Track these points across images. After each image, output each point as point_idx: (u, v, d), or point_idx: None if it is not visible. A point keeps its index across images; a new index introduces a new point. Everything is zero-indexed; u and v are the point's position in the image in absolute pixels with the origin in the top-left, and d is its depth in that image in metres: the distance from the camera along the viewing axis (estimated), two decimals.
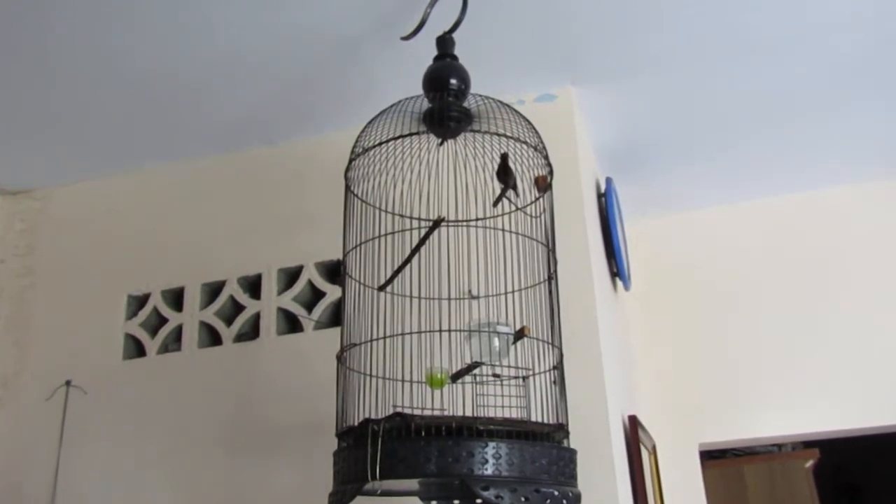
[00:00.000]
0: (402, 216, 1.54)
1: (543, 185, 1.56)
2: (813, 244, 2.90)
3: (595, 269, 2.11)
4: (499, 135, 1.50)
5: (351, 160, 1.55)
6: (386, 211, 1.55)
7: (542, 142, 1.57)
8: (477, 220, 1.56)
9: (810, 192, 2.94)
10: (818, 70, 2.22)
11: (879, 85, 2.31)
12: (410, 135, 1.50)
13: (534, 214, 1.54)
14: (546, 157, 1.56)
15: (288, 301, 2.27)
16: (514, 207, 1.55)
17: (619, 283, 2.63)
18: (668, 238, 3.05)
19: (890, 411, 2.63)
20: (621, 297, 2.70)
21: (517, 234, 1.50)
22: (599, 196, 2.50)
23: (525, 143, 1.52)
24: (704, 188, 2.89)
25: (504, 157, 1.54)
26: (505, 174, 1.54)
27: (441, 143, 1.55)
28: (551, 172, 1.57)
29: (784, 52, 2.14)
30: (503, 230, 1.50)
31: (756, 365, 2.79)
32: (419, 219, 1.51)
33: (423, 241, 1.46)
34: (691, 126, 2.47)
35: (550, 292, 1.51)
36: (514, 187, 1.55)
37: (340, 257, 1.61)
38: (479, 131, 1.52)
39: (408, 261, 1.47)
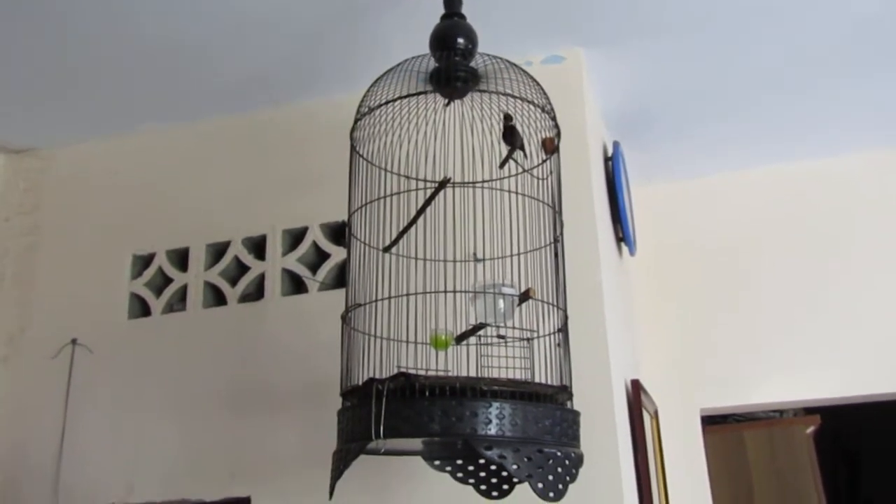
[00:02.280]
0: (407, 177, 1.54)
1: (550, 147, 1.54)
2: (818, 212, 2.89)
3: (601, 233, 2.10)
4: (506, 95, 1.49)
5: (356, 120, 1.53)
6: (391, 172, 1.54)
7: (549, 103, 1.55)
8: (483, 181, 1.55)
9: (818, 159, 2.92)
10: (830, 36, 2.19)
11: (892, 52, 2.28)
12: (417, 94, 1.49)
13: (540, 177, 1.53)
14: (553, 119, 1.54)
15: (292, 262, 2.27)
16: (520, 169, 1.54)
17: (625, 248, 2.62)
18: (675, 204, 3.04)
19: (893, 379, 2.63)
20: (626, 262, 2.70)
21: (523, 195, 1.50)
22: (606, 160, 2.48)
23: (532, 103, 1.50)
24: (712, 155, 2.87)
25: (509, 118, 1.53)
26: (511, 135, 1.53)
27: (447, 104, 1.54)
28: (558, 134, 1.56)
29: (797, 18, 2.10)
30: (509, 192, 1.50)
31: (759, 331, 2.79)
32: (425, 180, 1.51)
33: (428, 202, 1.45)
34: (700, 91, 2.44)
35: (556, 255, 1.50)
36: (522, 148, 1.54)
37: (345, 218, 1.60)
38: (486, 91, 1.51)
39: (413, 222, 1.47)
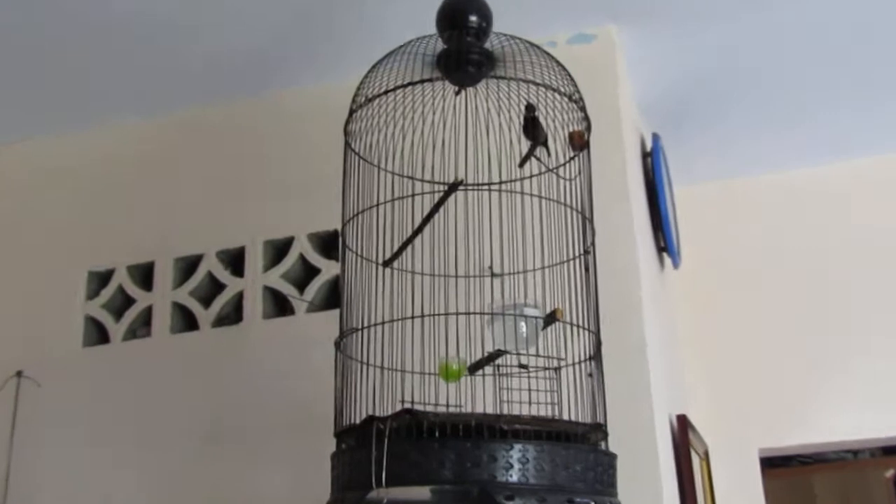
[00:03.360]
0: (411, 179, 1.55)
1: (580, 142, 1.55)
2: None
3: (639, 243, 2.11)
4: (527, 82, 1.49)
5: (352, 112, 1.54)
6: (393, 172, 1.55)
7: (578, 91, 1.56)
8: (500, 183, 1.55)
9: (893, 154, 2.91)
10: None
11: None
12: (422, 82, 1.49)
13: (567, 177, 1.53)
14: (583, 109, 1.55)
15: (276, 279, 2.29)
16: (543, 168, 1.55)
17: (667, 260, 2.63)
18: (724, 208, 3.04)
19: None
20: (669, 276, 2.70)
21: (548, 199, 1.50)
22: (645, 156, 2.49)
23: (558, 91, 1.50)
24: (768, 149, 2.87)
25: (530, 109, 1.53)
26: (533, 129, 1.53)
27: (458, 92, 1.54)
28: (589, 127, 1.57)
29: None
30: (531, 195, 1.50)
31: (827, 357, 2.77)
32: (432, 182, 1.51)
33: (436, 209, 1.45)
34: (755, 76, 2.45)
35: (587, 269, 1.51)
36: (545, 144, 1.55)
37: (338, 227, 1.61)
38: (503, 78, 1.51)
39: (418, 231, 1.47)
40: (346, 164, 1.57)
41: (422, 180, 1.54)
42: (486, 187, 1.52)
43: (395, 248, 1.49)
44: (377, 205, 1.50)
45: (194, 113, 2.51)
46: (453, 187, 1.44)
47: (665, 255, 2.59)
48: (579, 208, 1.51)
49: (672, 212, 2.62)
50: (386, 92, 1.49)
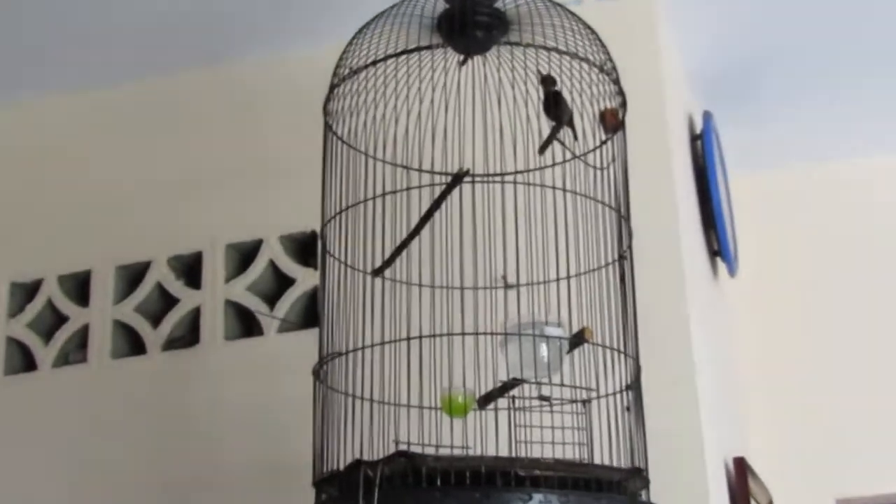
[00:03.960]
0: (407, 169, 1.55)
1: (613, 122, 1.56)
2: None
3: (686, 246, 2.12)
4: (547, 49, 1.50)
5: (333, 87, 1.55)
6: (384, 161, 1.56)
7: (610, 59, 1.57)
8: (515, 173, 1.56)
9: None
10: None
11: None
12: (419, 49, 1.50)
13: (598, 165, 1.54)
14: (616, 82, 1.56)
15: (241, 291, 2.30)
16: (568, 155, 1.56)
17: (722, 267, 2.64)
18: (795, 202, 3.04)
19: None
20: (724, 287, 2.71)
21: (574, 193, 1.51)
22: (694, 139, 2.50)
23: (586, 60, 1.52)
24: (847, 130, 2.87)
25: (550, 82, 1.54)
26: (556, 107, 1.54)
27: (464, 62, 1.55)
28: (624, 104, 1.58)
29: None
30: (553, 188, 1.51)
31: None
32: (432, 172, 1.52)
33: (437, 205, 1.47)
34: (833, 38, 2.45)
35: (622, 279, 1.52)
36: (570, 125, 1.55)
37: (317, 228, 1.62)
38: (518, 44, 1.52)
39: (416, 233, 1.49)
40: (326, 152, 1.58)
41: (420, 170, 1.55)
42: (498, 179, 1.53)
43: (388, 253, 1.50)
44: (365, 200, 1.51)
45: (137, 87, 2.52)
46: (458, 179, 1.45)
47: (719, 260, 2.59)
48: (613, 204, 1.52)
49: (728, 207, 2.62)
50: (375, 62, 1.50)
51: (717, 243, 2.51)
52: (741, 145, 2.85)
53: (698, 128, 2.54)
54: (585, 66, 1.53)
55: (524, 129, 1.56)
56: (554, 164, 1.57)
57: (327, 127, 1.58)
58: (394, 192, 1.51)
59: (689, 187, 2.33)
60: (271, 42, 2.38)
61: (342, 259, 1.53)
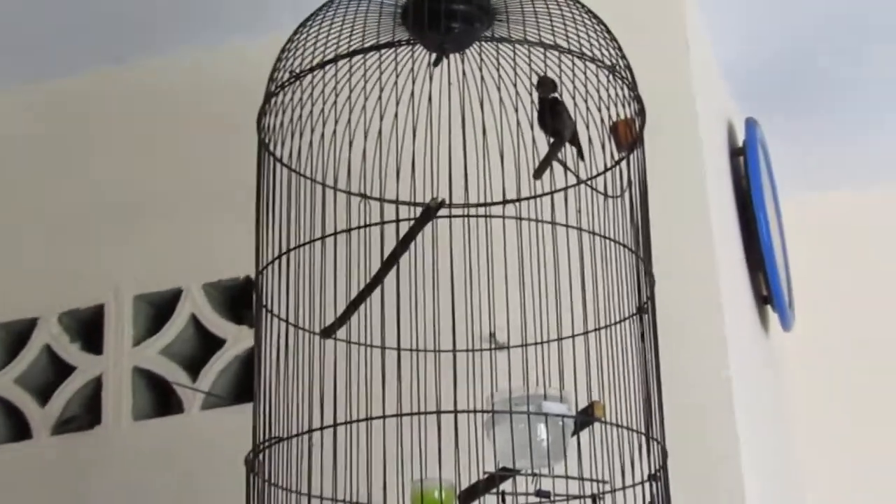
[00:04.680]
0: (365, 199, 1.56)
1: (628, 136, 1.57)
2: None
3: (727, 293, 2.13)
4: (543, 46, 1.52)
5: (270, 95, 1.57)
6: (336, 189, 1.56)
7: (624, 57, 1.59)
8: (504, 204, 1.58)
9: None
10: None
11: None
12: (379, 47, 1.52)
13: (610, 192, 1.56)
14: (632, 87, 1.58)
15: (154, 355, 2.30)
16: (572, 180, 1.58)
17: (773, 318, 2.65)
18: (865, 231, 3.05)
19: None
20: (777, 344, 2.72)
21: (578, 229, 1.51)
22: (735, 154, 2.52)
23: (593, 59, 1.53)
24: None
25: (547, 86, 1.57)
26: (555, 118, 1.56)
27: (437, 63, 1.57)
28: (642, 113, 1.59)
29: None
30: (552, 223, 1.51)
31: None
32: (397, 203, 1.52)
33: (404, 245, 1.48)
34: None
35: (642, 337, 1.53)
36: (574, 142, 1.58)
37: (251, 274, 1.63)
38: (506, 40, 1.53)
39: (377, 282, 1.49)
40: (262, 178, 1.59)
41: (382, 200, 1.54)
42: (481, 211, 1.55)
43: (342, 307, 1.51)
44: (313, 241, 1.52)
45: (18, 93, 2.54)
46: (430, 212, 1.46)
47: (769, 309, 2.61)
48: (629, 242, 1.54)
49: (780, 241, 2.64)
50: (323, 64, 1.51)
51: (767, 288, 2.51)
52: (797, 161, 2.87)
53: (740, 139, 2.55)
54: (592, 66, 1.54)
55: (514, 147, 1.58)
56: (553, 192, 1.58)
57: (263, 146, 1.59)
58: (349, 230, 1.51)
59: (729, 217, 2.34)
60: (190, 36, 2.39)
61: (284, 315, 1.53)
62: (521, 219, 1.52)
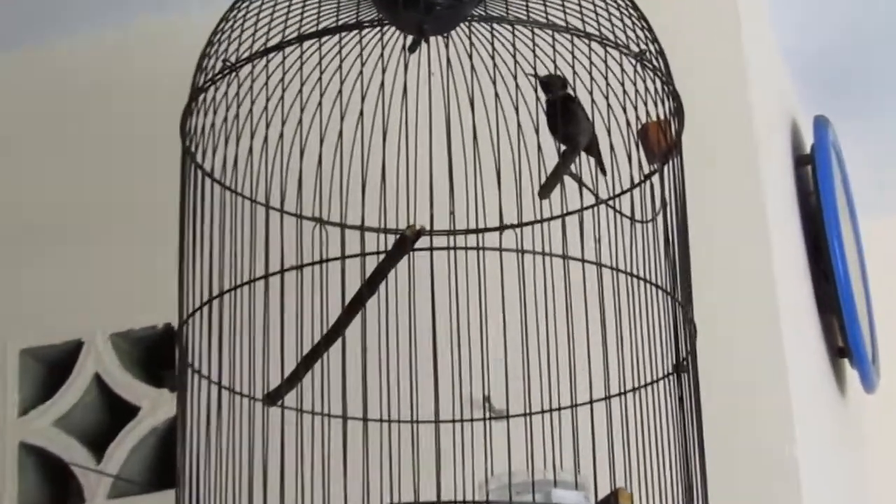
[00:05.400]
0: (322, 223, 1.57)
1: (661, 143, 1.58)
2: None
3: (791, 346, 2.14)
4: (551, 28, 1.52)
5: (198, 90, 1.58)
6: (283, 212, 1.56)
7: (655, 41, 1.60)
8: (501, 229, 1.58)
9: None
10: None
11: None
12: (340, 29, 1.53)
13: (639, 216, 1.57)
14: (666, 79, 1.59)
15: (45, 427, 2.29)
16: (589, 199, 1.58)
17: (852, 376, 2.64)
18: None
19: None
20: (856, 408, 2.72)
21: (598, 265, 1.52)
22: (800, 161, 2.52)
23: (615, 45, 1.54)
24: None
25: (554, 83, 1.58)
26: (566, 121, 1.57)
27: (413, 49, 1.58)
28: (679, 112, 1.61)
29: None
30: (563, 257, 1.52)
31: None
32: (363, 229, 1.52)
33: (373, 285, 1.49)
34: None
35: (681, 403, 1.54)
36: (593, 152, 1.60)
37: (173, 322, 1.63)
38: (503, 20, 1.55)
39: (337, 332, 1.50)
40: (186, 197, 1.60)
41: (343, 226, 1.56)
42: (472, 241, 1.57)
43: (290, 367, 1.51)
44: (253, 280, 1.53)
45: None
46: (406, 242, 1.47)
47: (847, 365, 2.61)
48: (663, 281, 1.55)
49: (860, 277, 2.64)
50: (267, 51, 1.52)
51: (844, 338, 2.52)
52: (876, 171, 2.88)
53: (807, 143, 2.56)
54: (615, 53, 1.55)
55: (514, 157, 1.59)
56: (565, 215, 1.59)
57: (188, 156, 1.60)
58: (300, 266, 1.52)
59: (793, 244, 2.36)
60: (96, 14, 2.41)
61: (216, 376, 1.53)
62: (523, 251, 1.53)
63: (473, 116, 1.53)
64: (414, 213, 1.52)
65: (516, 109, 1.60)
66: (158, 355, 2.28)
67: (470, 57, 1.59)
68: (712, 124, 1.89)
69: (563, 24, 1.52)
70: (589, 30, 1.53)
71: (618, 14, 1.56)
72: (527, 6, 1.54)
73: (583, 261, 1.51)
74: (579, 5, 1.54)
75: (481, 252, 1.56)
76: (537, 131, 1.60)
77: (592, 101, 1.58)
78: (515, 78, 1.58)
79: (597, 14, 1.54)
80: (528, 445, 1.48)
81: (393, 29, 1.58)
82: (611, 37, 1.55)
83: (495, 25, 1.56)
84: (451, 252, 1.52)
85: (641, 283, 1.54)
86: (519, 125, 1.61)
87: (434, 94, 1.58)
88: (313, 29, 1.52)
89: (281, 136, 1.55)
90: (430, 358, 1.46)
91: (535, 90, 1.62)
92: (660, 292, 1.54)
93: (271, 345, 1.50)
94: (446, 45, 1.60)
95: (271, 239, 1.53)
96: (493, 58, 1.58)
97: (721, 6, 2.23)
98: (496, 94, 1.58)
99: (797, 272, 2.33)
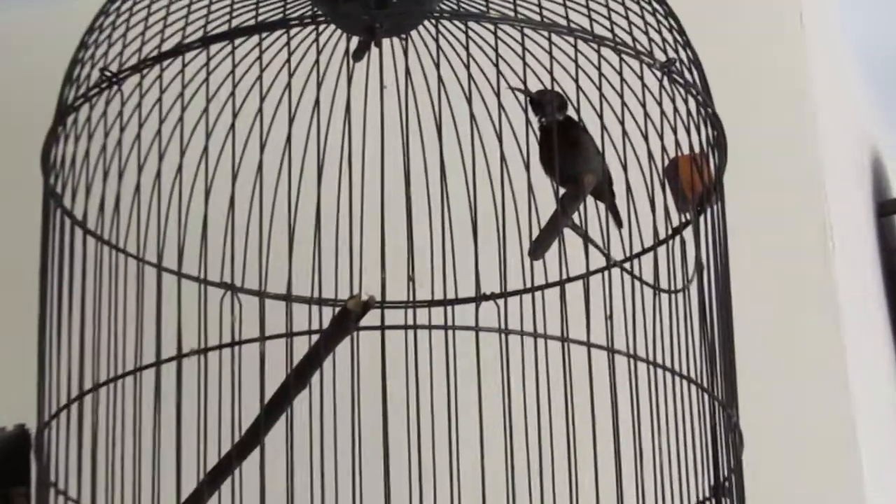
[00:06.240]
0: (233, 291, 1.57)
1: (695, 183, 1.58)
2: None
3: (873, 466, 2.15)
4: (546, 27, 1.53)
5: (65, 111, 1.58)
6: (181, 274, 1.56)
7: (687, 45, 1.61)
8: (478, 301, 1.57)
9: None
10: None
11: None
12: (261, 29, 1.53)
13: (664, 284, 1.57)
14: (703, 101, 1.59)
15: None
16: (597, 262, 1.58)
17: None
18: None
19: None
20: None
21: (609, 350, 1.51)
22: (884, 209, 2.53)
23: (634, 53, 1.55)
24: None
25: (552, 103, 1.58)
26: (566, 153, 1.58)
27: (359, 55, 1.61)
28: (720, 144, 1.61)
29: None
30: (563, 340, 1.52)
31: None
32: (289, 299, 1.52)
33: (303, 377, 1.49)
34: None
35: None
36: (603, 196, 1.60)
37: (28, 424, 1.62)
38: (481, 18, 1.56)
39: (253, 442, 1.49)
40: (49, 253, 1.60)
41: (262, 295, 1.56)
42: (438, 316, 1.57)
43: (190, 486, 1.51)
44: (139, 369, 1.53)
45: None
46: (348, 318, 1.47)
47: None
48: (697, 374, 1.55)
49: None
50: (160, 58, 1.53)
51: None
52: None
53: (893, 185, 2.58)
54: (633, 62, 1.56)
55: (495, 201, 1.58)
56: (564, 282, 1.61)
57: (52, 198, 1.60)
58: (204, 350, 1.52)
59: (872, 313, 2.36)
60: None
61: (85, 500, 1.53)
62: (507, 331, 1.53)
63: (441, 146, 1.53)
64: (360, 278, 1.51)
65: (499, 137, 1.58)
66: (4, 468, 2.28)
67: (437, 66, 1.59)
68: (769, 161, 1.89)
69: (562, 22, 1.53)
70: (598, 31, 1.53)
71: (637, 10, 1.56)
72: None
73: (588, 345, 1.50)
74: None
75: (451, 332, 1.55)
76: (528, 167, 1.60)
77: (603, 126, 1.57)
78: (498, 95, 1.58)
79: (609, 9, 1.54)
80: None
81: (332, 28, 1.58)
82: (627, 40, 1.55)
83: (472, 24, 1.56)
84: (411, 332, 1.51)
85: (668, 374, 1.53)
86: (503, 158, 1.58)
87: (388, 116, 1.57)
88: (224, 28, 1.52)
89: (179, 170, 1.55)
90: (381, 475, 1.45)
91: (525, 111, 1.61)
92: (694, 388, 1.54)
93: (163, 455, 1.50)
94: (405, 50, 1.60)
95: (165, 312, 1.54)
96: (468, 67, 1.58)
97: (776, 12, 2.25)
98: (472, 116, 1.58)
99: (877, 349, 2.34)
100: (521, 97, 1.61)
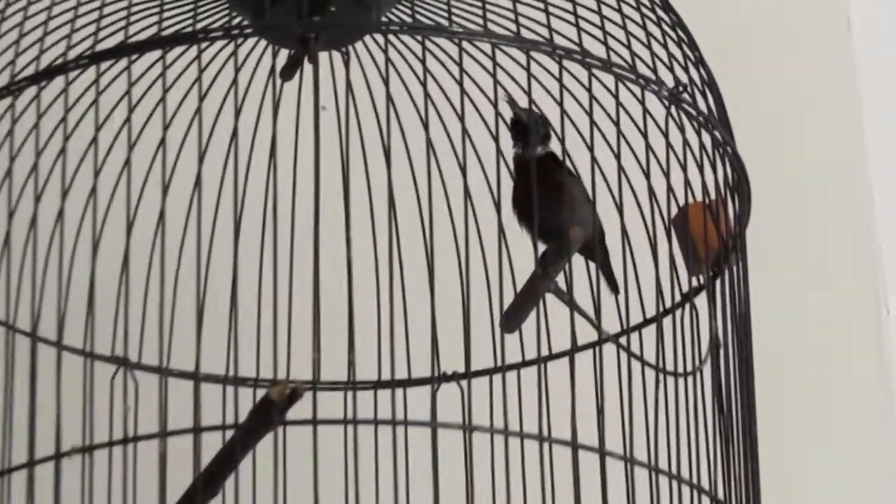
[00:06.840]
0: (127, 366, 1.55)
1: (710, 238, 1.57)
2: None
3: None
4: (525, 47, 1.52)
5: None
6: (63, 346, 1.54)
7: (701, 63, 1.61)
8: (437, 381, 1.56)
9: None
10: None
11: None
12: (164, 43, 1.51)
13: (672, 367, 1.55)
14: (722, 137, 1.58)
15: None
16: (587, 336, 1.57)
17: None
18: None
19: None
20: None
21: (600, 452, 1.50)
22: None
23: (635, 77, 1.54)
24: None
25: (525, 128, 1.58)
26: (549, 200, 1.56)
27: (288, 74, 1.61)
28: (741, 189, 1.60)
29: None
30: (540, 439, 1.50)
31: None
32: (197, 379, 1.51)
33: (214, 484, 1.48)
34: None
35: None
36: (595, 256, 1.60)
37: None
38: (441, 32, 1.56)
39: None
40: None
41: (164, 373, 1.55)
42: (386, 409, 1.54)
43: None
44: (6, 471, 1.51)
45: None
46: (270, 408, 1.46)
47: None
48: (710, 484, 1.53)
49: None
50: (37, 78, 1.51)
51: None
52: None
53: None
54: (633, 88, 1.55)
55: (460, 258, 1.56)
56: (544, 361, 1.60)
57: None
58: (89, 448, 1.50)
59: None
60: None
61: None
62: (470, 428, 1.53)
63: (390, 184, 1.53)
64: (287, 358, 1.50)
65: (463, 172, 1.56)
66: None
67: (386, 84, 1.58)
68: (804, 208, 1.89)
69: (543, 39, 1.51)
70: (588, 46, 1.52)
71: (639, 19, 1.55)
72: (483, 6, 1.52)
73: (574, 445, 1.49)
74: (573, 4, 1.53)
75: (401, 428, 1.53)
76: (499, 210, 1.58)
77: (594, 161, 1.57)
78: (462, 119, 1.57)
79: (602, 20, 1.53)
80: None
81: (256, 40, 1.57)
82: (626, 56, 1.54)
83: (430, 37, 1.55)
84: (350, 427, 1.50)
85: (674, 482, 1.52)
86: (468, 199, 1.57)
87: (326, 147, 1.56)
88: (118, 40, 1.51)
89: (60, 214, 1.53)
90: None
91: (496, 140, 1.59)
92: (707, 499, 1.53)
93: None
94: (346, 67, 1.59)
95: (40, 395, 1.53)
96: (424, 86, 1.58)
97: (821, 27, 2.25)
98: (429, 146, 1.56)
99: None
100: (491, 119, 1.59)
